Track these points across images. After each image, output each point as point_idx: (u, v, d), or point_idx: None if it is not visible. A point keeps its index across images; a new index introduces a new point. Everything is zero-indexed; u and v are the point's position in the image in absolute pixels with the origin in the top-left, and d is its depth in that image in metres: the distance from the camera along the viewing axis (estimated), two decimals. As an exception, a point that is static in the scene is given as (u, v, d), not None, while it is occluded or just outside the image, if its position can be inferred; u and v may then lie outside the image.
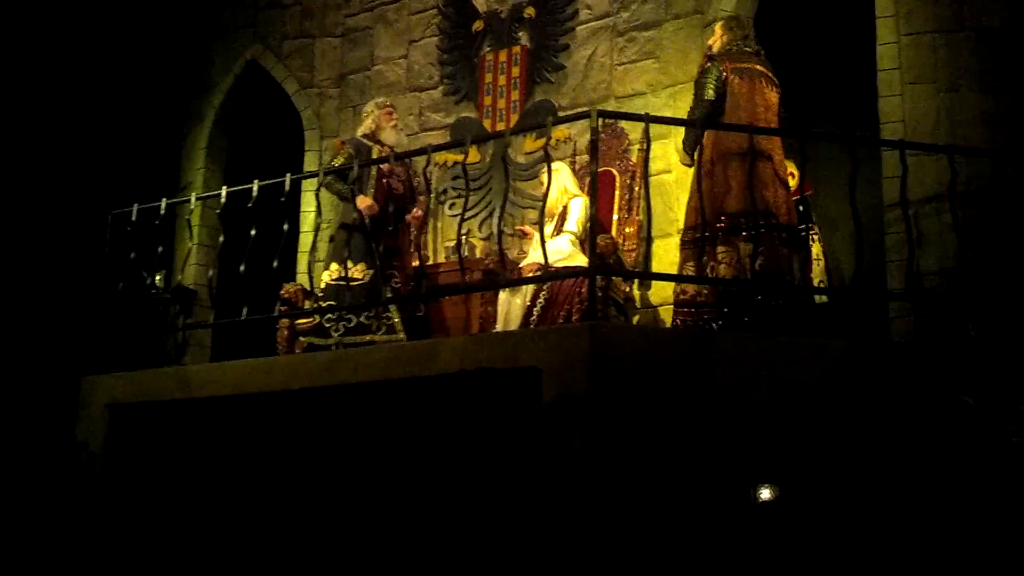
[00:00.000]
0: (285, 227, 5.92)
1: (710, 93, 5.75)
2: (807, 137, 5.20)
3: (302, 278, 7.20)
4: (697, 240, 5.59)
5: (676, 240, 6.15)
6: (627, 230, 6.57)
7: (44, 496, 5.84)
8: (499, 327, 6.07)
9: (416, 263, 6.80)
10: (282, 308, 6.48)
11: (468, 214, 6.94)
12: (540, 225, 5.42)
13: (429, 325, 6.70)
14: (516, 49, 7.67)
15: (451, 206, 7.69)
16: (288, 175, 5.91)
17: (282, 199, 5.87)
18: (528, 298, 6.00)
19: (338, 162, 6.54)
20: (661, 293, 6.50)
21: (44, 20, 8.72)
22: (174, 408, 5.82)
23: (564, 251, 6.07)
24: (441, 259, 7.50)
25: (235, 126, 9.10)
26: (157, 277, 7.36)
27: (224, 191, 6.13)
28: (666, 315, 6.31)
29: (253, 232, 5.86)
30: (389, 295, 6.27)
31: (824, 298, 6.50)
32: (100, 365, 6.21)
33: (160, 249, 6.48)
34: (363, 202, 6.34)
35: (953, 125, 5.89)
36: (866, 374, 4.65)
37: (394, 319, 6.35)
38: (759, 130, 5.48)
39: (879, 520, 4.38)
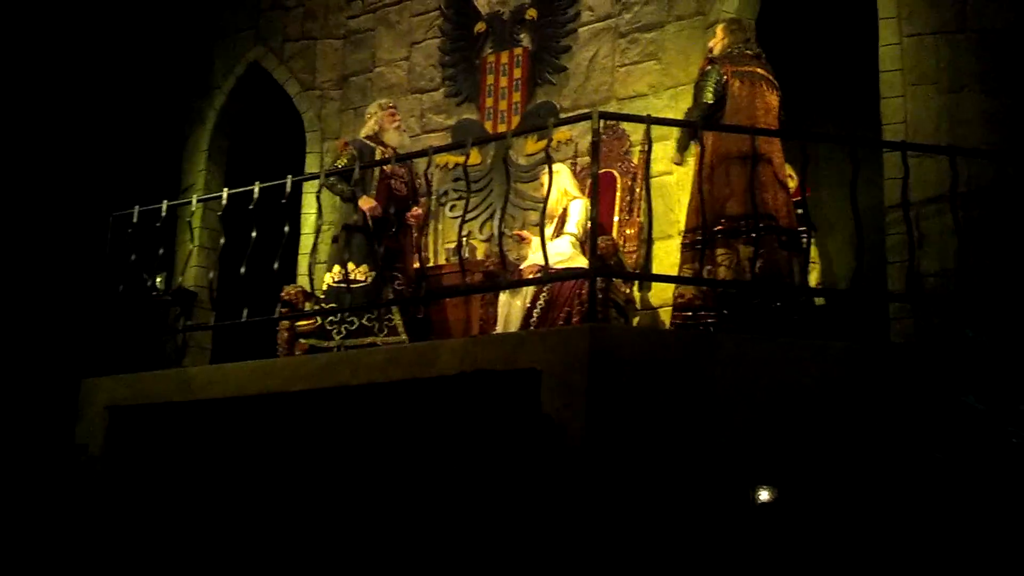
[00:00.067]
0: (286, 229, 5.93)
1: (708, 96, 5.76)
2: (808, 138, 5.19)
3: (303, 280, 7.19)
4: (696, 243, 5.59)
5: (677, 242, 6.15)
6: (628, 232, 6.56)
7: (44, 498, 5.84)
8: (499, 329, 6.06)
9: (418, 264, 6.79)
10: (282, 310, 6.48)
11: (469, 216, 6.93)
12: (541, 227, 5.41)
13: (431, 327, 6.69)
14: (518, 51, 7.66)
15: (452, 208, 7.69)
16: (289, 177, 5.92)
17: (283, 201, 5.88)
18: (528, 300, 5.99)
19: (341, 163, 6.53)
20: (662, 295, 6.49)
21: (46, 22, 8.73)
22: (174, 410, 5.82)
23: (564, 253, 6.06)
24: (442, 260, 7.49)
25: (236, 128, 9.10)
26: (158, 279, 7.35)
27: (225, 193, 6.13)
28: (666, 317, 6.30)
29: (254, 234, 5.86)
30: (391, 296, 6.25)
31: (823, 300, 6.49)
32: (100, 367, 6.21)
33: (161, 251, 6.48)
34: (366, 203, 6.33)
35: (955, 126, 5.88)
36: (866, 375, 4.64)
37: (396, 321, 6.34)
38: (760, 131, 5.47)
39: (879, 521, 4.37)
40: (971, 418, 4.39)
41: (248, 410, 5.54)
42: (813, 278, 6.77)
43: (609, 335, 4.65)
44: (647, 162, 5.43)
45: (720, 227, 5.59)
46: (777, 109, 5.87)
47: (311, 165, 8.37)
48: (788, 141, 5.84)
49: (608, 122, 6.75)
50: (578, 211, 6.28)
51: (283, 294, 6.62)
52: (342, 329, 6.24)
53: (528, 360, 4.58)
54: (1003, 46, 5.89)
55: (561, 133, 7.16)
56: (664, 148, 6.60)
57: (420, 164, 6.57)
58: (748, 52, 5.93)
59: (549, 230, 6.11)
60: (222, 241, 6.20)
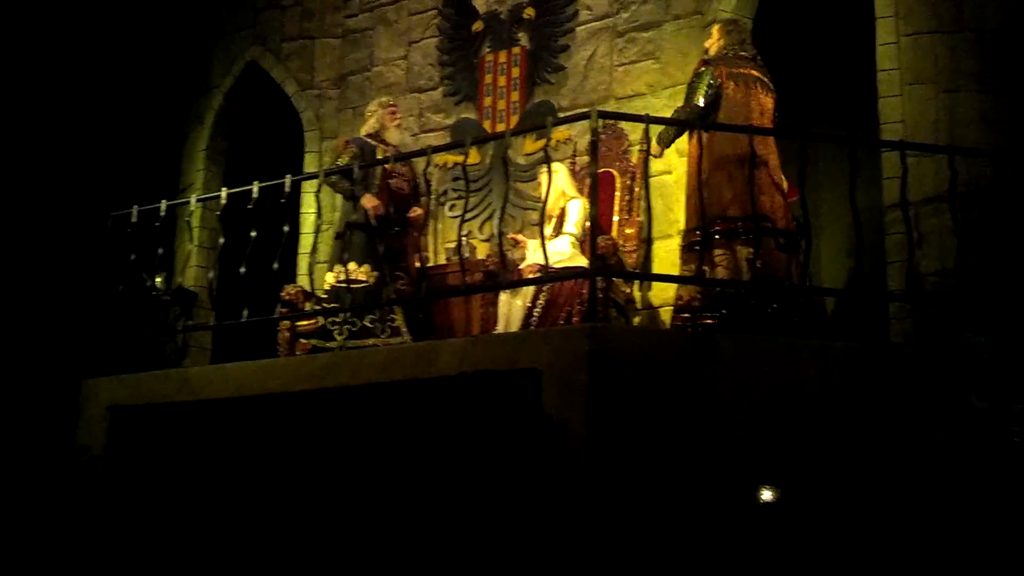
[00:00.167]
0: (285, 229, 5.92)
1: (699, 99, 5.77)
2: (806, 138, 5.20)
3: (302, 280, 7.19)
4: (693, 244, 5.61)
5: (676, 241, 6.16)
6: (627, 231, 6.56)
7: (45, 499, 5.83)
8: (500, 328, 6.07)
9: (419, 264, 6.79)
10: (282, 310, 6.48)
11: (468, 215, 6.93)
12: (541, 226, 5.42)
13: (434, 327, 6.68)
14: (516, 50, 7.66)
15: (451, 207, 7.69)
16: (288, 176, 5.92)
17: (282, 200, 5.88)
18: (528, 299, 6.00)
19: (342, 161, 6.52)
20: (662, 294, 6.49)
21: (44, 22, 8.72)
22: (174, 410, 5.82)
23: (564, 252, 6.07)
24: (442, 260, 7.49)
25: (235, 128, 9.09)
26: (157, 279, 7.35)
27: (224, 193, 6.13)
28: (667, 316, 6.30)
29: (253, 234, 5.86)
30: (393, 296, 6.24)
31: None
32: (100, 367, 6.21)
33: (160, 251, 6.47)
34: (369, 201, 6.32)
35: (953, 126, 5.90)
36: (866, 375, 4.65)
37: (399, 322, 6.33)
38: (758, 131, 5.48)
39: (879, 520, 4.38)
40: (972, 418, 4.40)
41: (248, 410, 5.55)
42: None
43: (609, 335, 4.66)
44: (646, 161, 5.43)
45: (717, 228, 5.60)
46: (772, 111, 5.88)
47: (310, 164, 8.37)
48: (786, 142, 5.85)
49: (607, 121, 6.76)
50: (576, 211, 6.29)
51: (283, 294, 6.63)
52: (344, 330, 6.23)
53: (528, 360, 4.58)
54: (1001, 45, 5.90)
55: (560, 132, 7.16)
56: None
57: (419, 164, 6.57)
58: (744, 54, 5.94)
59: (548, 230, 6.12)
60: (221, 241, 6.20)
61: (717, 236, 5.60)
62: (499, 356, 4.72)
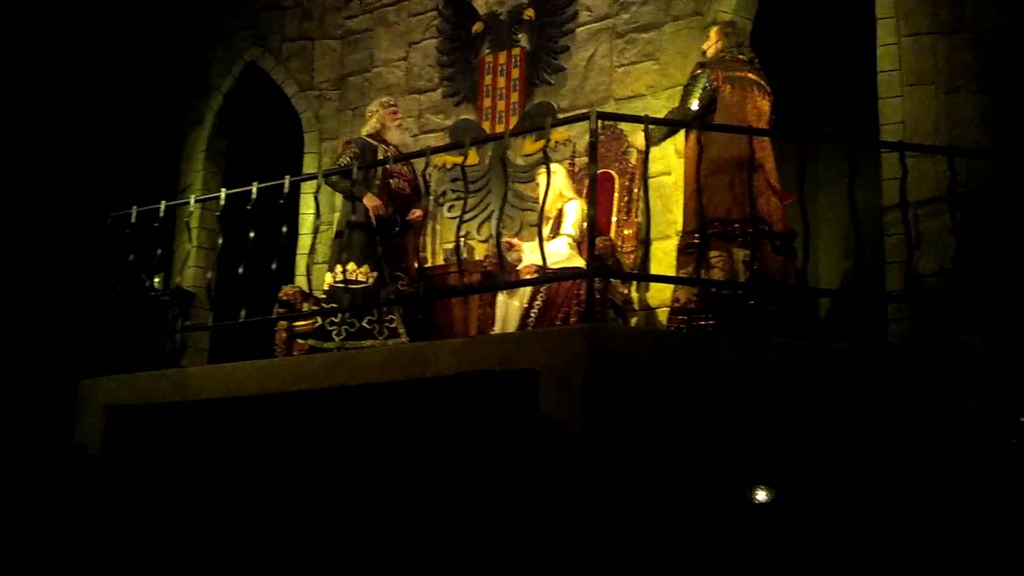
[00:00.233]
0: (284, 229, 5.92)
1: (693, 103, 5.78)
2: (806, 139, 5.19)
3: (301, 280, 7.19)
4: (689, 247, 5.61)
5: (674, 242, 6.15)
6: (626, 232, 6.55)
7: (42, 499, 5.83)
8: (497, 329, 6.06)
9: (418, 265, 6.78)
10: (280, 310, 6.47)
11: (467, 216, 6.91)
12: (539, 227, 5.41)
13: (435, 327, 6.66)
14: (516, 51, 7.66)
15: (450, 208, 7.68)
16: (287, 177, 5.92)
17: (281, 201, 5.87)
18: (526, 300, 5.98)
19: (343, 161, 6.50)
20: (659, 295, 6.48)
21: (44, 23, 8.72)
22: (172, 410, 5.82)
23: (562, 253, 6.06)
24: (440, 261, 7.48)
25: (234, 128, 9.10)
26: (156, 279, 7.34)
27: (223, 193, 6.12)
28: (665, 317, 6.29)
29: (252, 234, 5.86)
30: (392, 297, 6.23)
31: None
32: (98, 367, 6.21)
33: (159, 251, 6.47)
34: (371, 201, 6.30)
35: (953, 126, 5.89)
36: (864, 376, 4.64)
37: (396, 323, 6.32)
38: (757, 131, 5.48)
39: (878, 521, 4.36)
40: (970, 419, 4.39)
41: (246, 410, 5.54)
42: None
43: (607, 336, 4.65)
44: (645, 162, 5.42)
45: (713, 230, 5.59)
46: (769, 114, 5.87)
47: (309, 165, 8.37)
48: (786, 142, 5.84)
49: (606, 122, 6.75)
50: (573, 212, 6.27)
51: (281, 294, 6.62)
52: (342, 331, 6.21)
53: (526, 361, 4.57)
54: (1001, 46, 5.90)
55: (559, 133, 7.15)
56: (662, 148, 6.59)
57: (418, 164, 6.57)
58: (741, 57, 5.94)
59: (545, 231, 6.11)
60: (220, 241, 6.20)
61: (713, 237, 5.59)
62: (496, 357, 4.71)
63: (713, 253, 5.56)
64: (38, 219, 8.38)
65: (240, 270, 5.84)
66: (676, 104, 6.66)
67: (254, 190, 5.96)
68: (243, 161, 8.75)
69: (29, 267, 8.24)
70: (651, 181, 6.06)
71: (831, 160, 6.39)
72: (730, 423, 4.44)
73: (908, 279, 5.27)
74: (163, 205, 6.31)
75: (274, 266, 5.82)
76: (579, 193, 6.40)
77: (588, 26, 7.40)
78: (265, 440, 5.44)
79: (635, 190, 6.61)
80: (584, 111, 5.56)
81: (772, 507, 4.33)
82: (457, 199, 7.48)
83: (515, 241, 6.59)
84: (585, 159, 6.40)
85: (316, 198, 6.12)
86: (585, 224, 5.79)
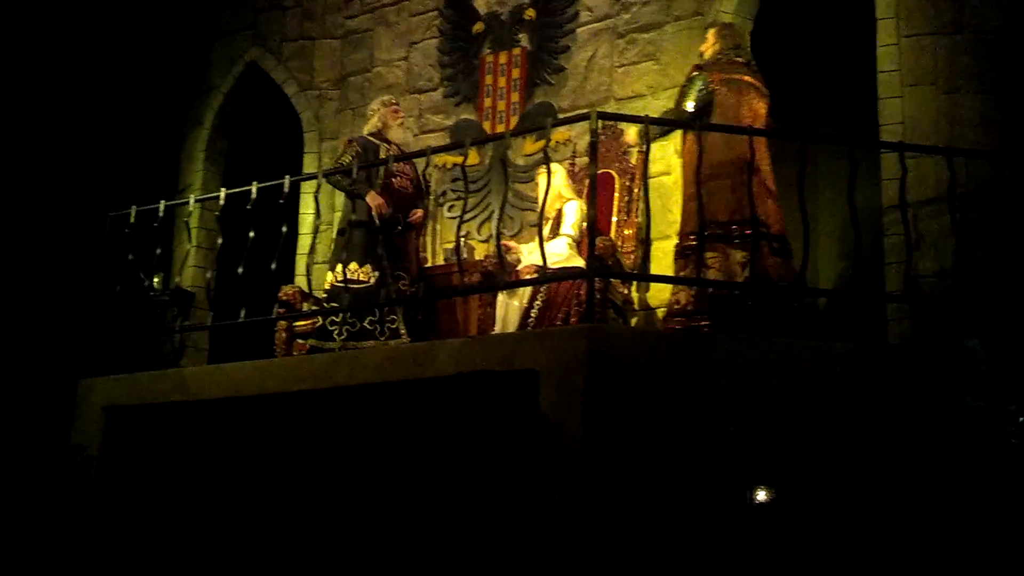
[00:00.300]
0: (284, 229, 5.92)
1: (688, 105, 5.79)
2: (806, 139, 5.19)
3: (301, 280, 7.18)
4: (687, 248, 5.61)
5: (674, 243, 6.14)
6: (626, 232, 6.54)
7: (41, 499, 5.82)
8: (497, 329, 6.05)
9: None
10: (280, 310, 6.46)
11: (467, 216, 6.92)
12: (539, 227, 5.41)
13: (436, 327, 6.65)
14: (516, 51, 7.66)
15: (450, 208, 7.68)
16: (287, 177, 5.91)
17: (281, 201, 5.87)
18: (526, 300, 5.98)
19: (345, 159, 6.49)
20: (659, 295, 6.48)
21: (44, 23, 8.72)
22: (171, 410, 5.81)
23: (562, 253, 6.05)
24: (440, 261, 7.48)
25: (235, 128, 9.09)
26: (155, 279, 7.34)
27: (223, 193, 6.12)
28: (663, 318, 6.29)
29: (252, 234, 5.85)
30: (393, 297, 6.22)
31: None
32: (97, 367, 6.20)
33: (158, 251, 6.47)
34: (374, 199, 6.28)
35: (952, 127, 5.89)
36: (864, 376, 4.64)
37: (397, 323, 6.30)
38: (757, 132, 5.47)
39: (878, 521, 4.36)
40: (969, 419, 4.39)
41: (245, 410, 5.54)
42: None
43: (607, 336, 4.64)
44: (645, 162, 5.41)
45: (710, 232, 5.59)
46: (765, 116, 5.87)
47: (309, 165, 8.36)
48: (785, 143, 5.83)
49: (606, 122, 6.75)
50: (573, 212, 6.27)
51: (281, 294, 6.61)
52: (343, 331, 6.19)
53: (526, 361, 4.57)
54: (1001, 46, 5.90)
55: (559, 133, 7.15)
56: (662, 148, 6.60)
57: (418, 164, 6.57)
58: (738, 59, 5.94)
59: (545, 231, 6.10)
60: (220, 241, 6.19)
61: (709, 238, 5.59)
62: (496, 357, 4.71)
63: (709, 254, 5.56)
64: (38, 219, 8.39)
65: (240, 270, 5.84)
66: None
67: (254, 190, 5.95)
68: (243, 161, 8.75)
69: (28, 267, 8.24)
70: (651, 181, 6.06)
71: (831, 160, 6.39)
72: (730, 423, 4.44)
73: (907, 279, 5.27)
74: (162, 205, 6.31)
75: (274, 266, 5.82)
76: (579, 193, 6.40)
77: (589, 26, 7.40)
78: (265, 440, 5.44)
79: (635, 190, 6.61)
80: (584, 111, 5.56)
81: (772, 507, 4.32)
82: (457, 199, 7.48)
83: (512, 244, 6.58)
84: (585, 159, 6.41)
85: (316, 198, 6.12)
86: (585, 224, 5.78)
